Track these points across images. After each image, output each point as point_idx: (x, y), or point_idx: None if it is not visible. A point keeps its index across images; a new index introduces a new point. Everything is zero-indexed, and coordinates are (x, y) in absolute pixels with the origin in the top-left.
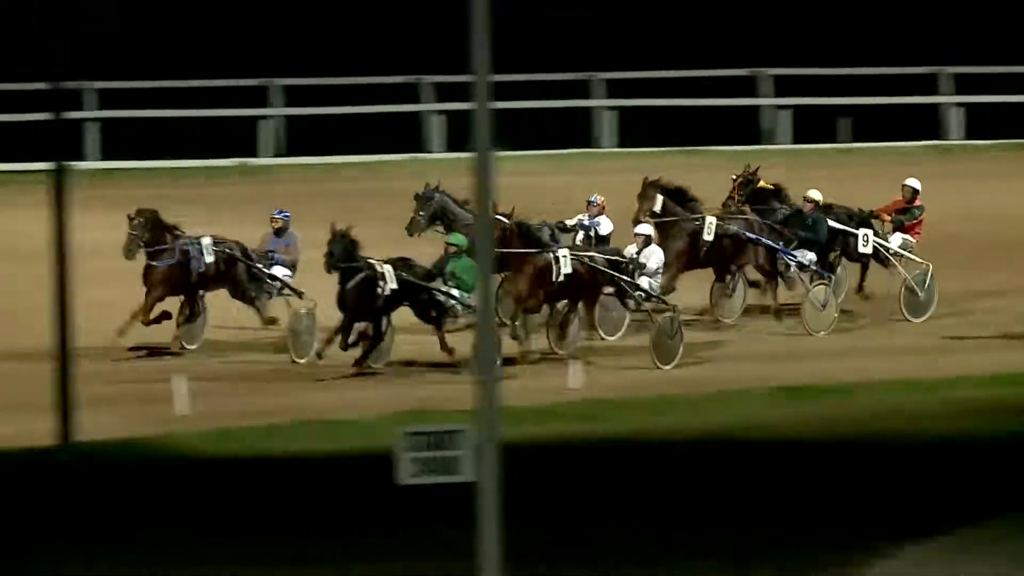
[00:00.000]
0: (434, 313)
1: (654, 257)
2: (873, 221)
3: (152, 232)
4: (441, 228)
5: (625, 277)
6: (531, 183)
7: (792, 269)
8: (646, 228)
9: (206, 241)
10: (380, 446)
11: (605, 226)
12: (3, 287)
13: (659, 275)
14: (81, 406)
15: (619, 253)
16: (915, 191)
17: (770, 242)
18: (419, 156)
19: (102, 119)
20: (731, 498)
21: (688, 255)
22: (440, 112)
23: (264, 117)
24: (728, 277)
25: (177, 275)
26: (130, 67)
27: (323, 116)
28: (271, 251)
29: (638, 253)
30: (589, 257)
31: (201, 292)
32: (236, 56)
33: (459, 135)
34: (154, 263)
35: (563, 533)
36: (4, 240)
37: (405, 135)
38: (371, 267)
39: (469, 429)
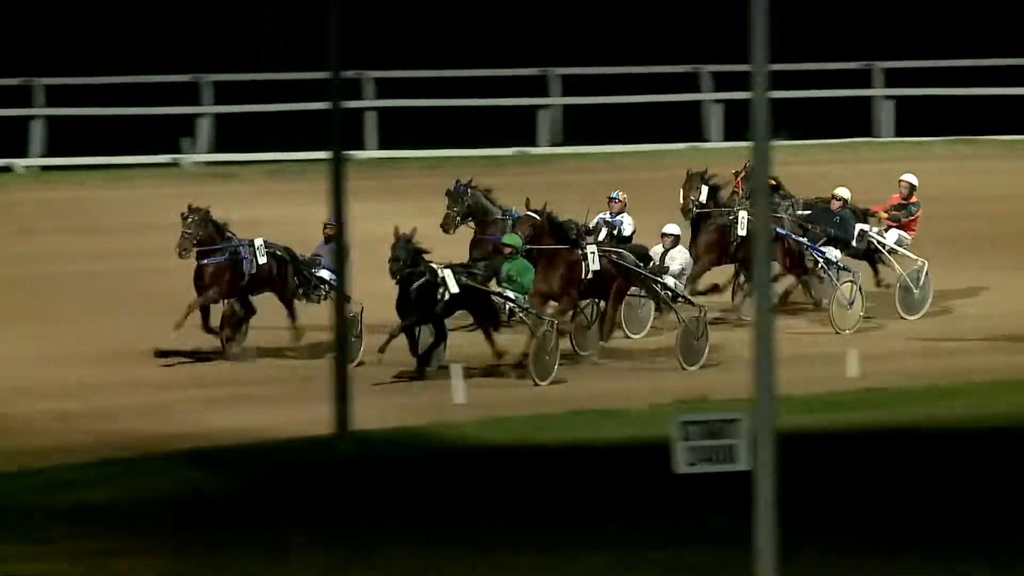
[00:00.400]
0: (492, 317)
1: (680, 258)
2: (869, 219)
3: (205, 231)
4: (473, 224)
5: (652, 276)
6: (811, 172)
7: (820, 266)
8: (674, 228)
9: (258, 242)
10: (655, 435)
11: (628, 225)
12: None
13: (684, 275)
14: (358, 395)
15: (645, 252)
16: (912, 187)
17: (802, 239)
18: (698, 145)
19: (380, 108)
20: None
21: (719, 249)
22: (719, 101)
23: (543, 106)
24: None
25: (229, 276)
26: (408, 57)
27: (601, 105)
28: (317, 255)
29: (665, 252)
30: (617, 254)
31: (249, 294)
32: (516, 46)
33: (738, 124)
34: (206, 262)
35: (839, 522)
36: (284, 228)
37: (684, 124)
38: (432, 272)
39: (745, 418)
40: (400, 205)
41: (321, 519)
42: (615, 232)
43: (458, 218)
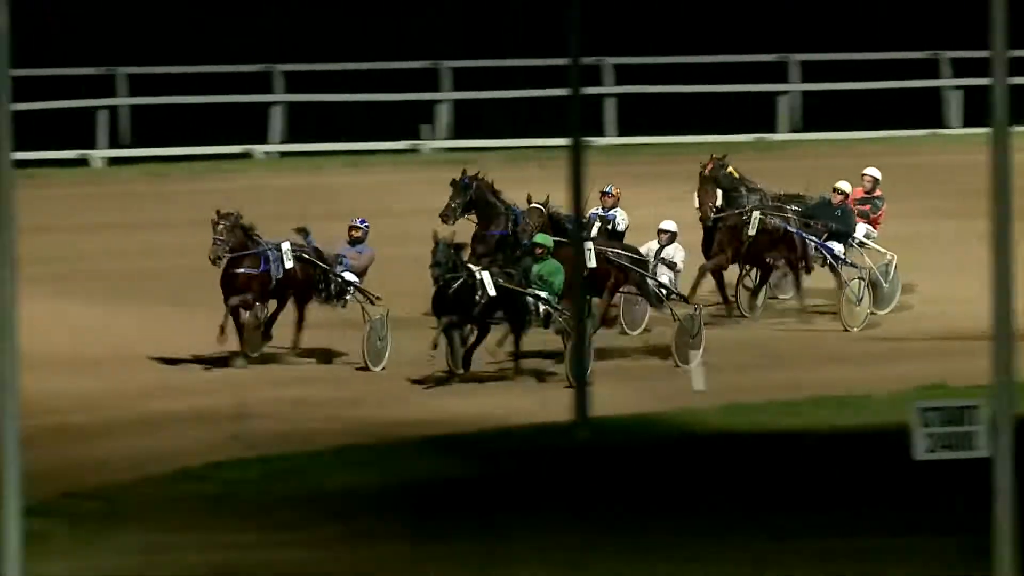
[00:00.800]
0: (523, 320)
1: (677, 255)
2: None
3: (237, 237)
4: (475, 217)
5: (647, 273)
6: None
7: (827, 262)
8: (671, 224)
9: (285, 246)
10: (895, 422)
11: (622, 220)
12: None
13: (679, 273)
14: (596, 381)
15: (636, 251)
16: (876, 181)
17: (812, 237)
18: (938, 132)
19: (619, 95)
20: None
21: (734, 246)
22: (958, 87)
23: (782, 92)
24: (766, 273)
25: (259, 281)
26: (648, 43)
27: (840, 91)
28: (340, 255)
29: (661, 248)
30: (613, 252)
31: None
32: (755, 32)
33: (978, 110)
34: (236, 270)
35: None
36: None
37: (924, 110)
38: (470, 274)
39: (985, 404)
40: (639, 191)
41: (559, 506)
42: (609, 226)
43: (459, 210)
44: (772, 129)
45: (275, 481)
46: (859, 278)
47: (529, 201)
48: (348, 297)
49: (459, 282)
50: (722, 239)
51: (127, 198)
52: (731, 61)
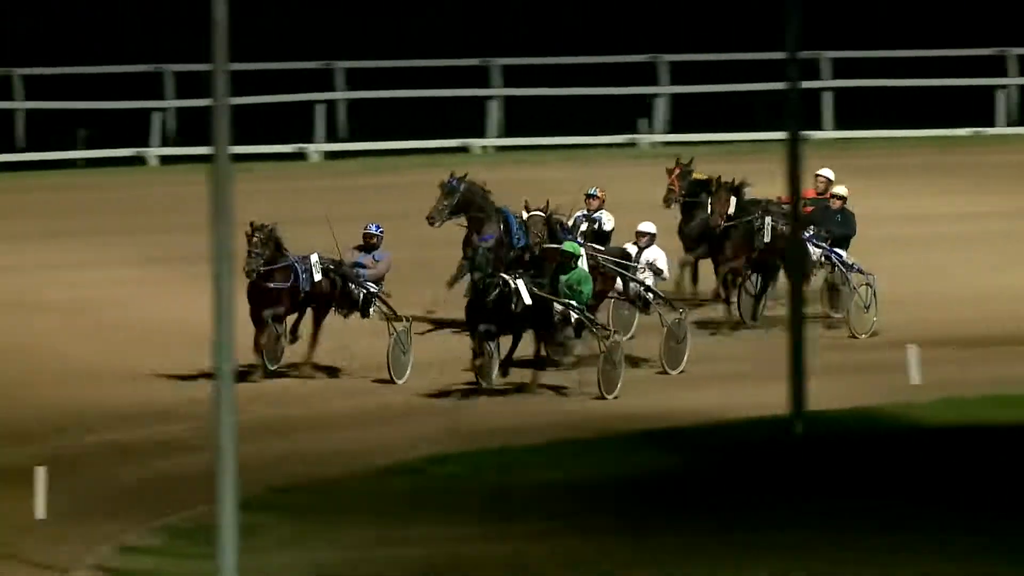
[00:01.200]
0: (553, 329)
1: (660, 258)
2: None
3: (271, 250)
4: (464, 221)
5: (634, 277)
6: None
7: (835, 269)
8: (650, 226)
9: (314, 258)
10: None
11: (608, 222)
12: None
13: (663, 276)
14: (813, 376)
15: (625, 253)
16: (830, 181)
17: (822, 243)
18: None
19: (837, 88)
20: None
21: (747, 251)
22: None
23: (1001, 86)
24: (768, 279)
25: (289, 294)
26: (865, 37)
27: None
28: (359, 264)
29: (640, 251)
30: (602, 256)
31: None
32: (971, 25)
33: None
34: (268, 283)
35: None
36: None
37: None
38: (506, 282)
39: None
40: (863, 184)
41: (777, 499)
42: (596, 227)
43: (447, 212)
44: (990, 123)
45: (490, 474)
46: (867, 285)
47: (528, 209)
48: (372, 309)
49: (497, 291)
50: (736, 245)
51: (344, 192)
52: (949, 55)
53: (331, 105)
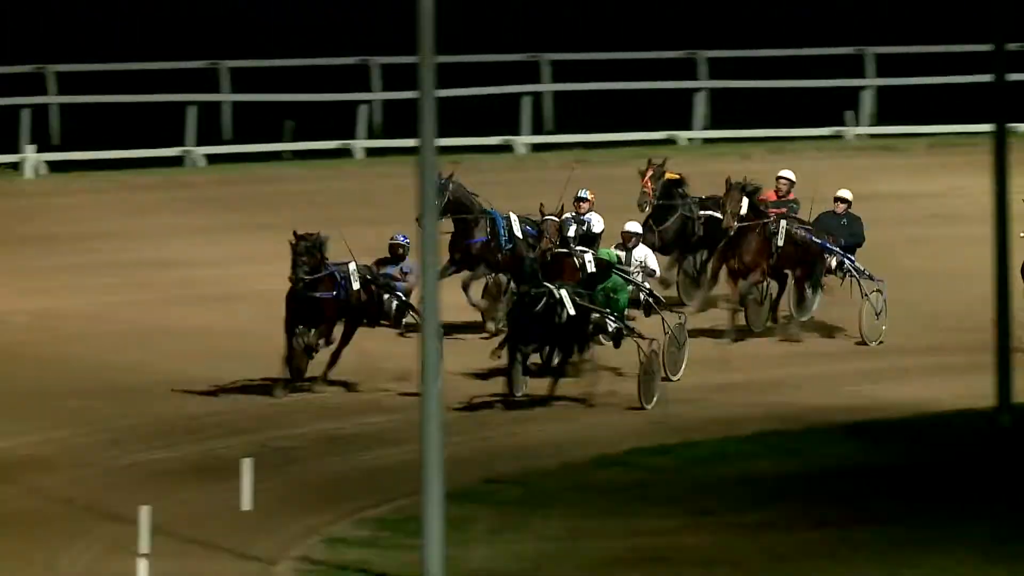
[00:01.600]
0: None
1: (650, 257)
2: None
3: (316, 259)
4: (452, 221)
5: (639, 283)
6: None
7: (849, 275)
8: (635, 226)
9: (351, 267)
10: None
11: (597, 224)
12: (942, 249)
13: (655, 275)
14: (1020, 368)
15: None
16: (791, 183)
17: (835, 248)
18: None
19: None
20: None
21: (766, 255)
22: None
23: None
24: (783, 286)
25: (333, 305)
26: None
27: None
28: (389, 274)
29: (629, 252)
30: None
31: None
32: None
33: None
34: (314, 293)
35: None
36: (941, 201)
37: None
38: (551, 293)
39: None
40: None
41: (984, 492)
42: (585, 228)
43: (437, 212)
44: None
45: (696, 467)
46: (878, 291)
47: (542, 212)
48: (405, 320)
49: (544, 300)
50: (756, 250)
51: (549, 184)
52: None
53: (537, 97)
